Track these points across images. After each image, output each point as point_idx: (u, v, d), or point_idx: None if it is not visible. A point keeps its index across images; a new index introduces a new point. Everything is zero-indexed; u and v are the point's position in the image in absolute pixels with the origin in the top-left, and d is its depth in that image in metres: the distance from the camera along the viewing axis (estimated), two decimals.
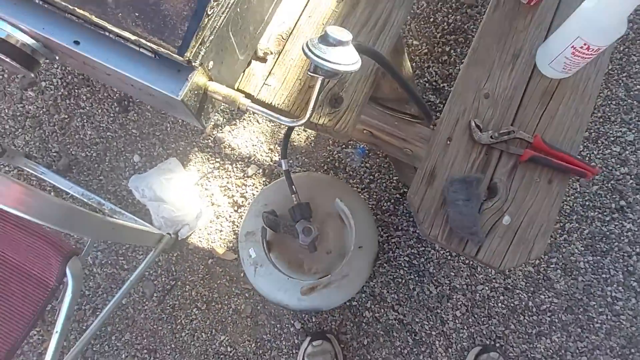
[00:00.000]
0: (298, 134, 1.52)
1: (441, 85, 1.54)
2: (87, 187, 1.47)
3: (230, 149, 1.52)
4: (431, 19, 1.61)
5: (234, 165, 1.51)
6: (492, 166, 0.95)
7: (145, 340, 1.39)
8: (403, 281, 1.39)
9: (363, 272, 1.06)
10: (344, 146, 1.50)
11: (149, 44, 0.45)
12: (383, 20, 0.64)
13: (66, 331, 0.90)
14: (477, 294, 1.37)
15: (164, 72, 0.48)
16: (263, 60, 0.62)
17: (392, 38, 0.63)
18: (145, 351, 1.38)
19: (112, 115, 1.54)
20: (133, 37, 0.45)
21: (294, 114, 0.62)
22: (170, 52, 0.44)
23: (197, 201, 1.45)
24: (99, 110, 1.55)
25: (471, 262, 1.39)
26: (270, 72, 0.63)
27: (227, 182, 1.49)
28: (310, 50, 0.44)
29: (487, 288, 1.37)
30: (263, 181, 1.49)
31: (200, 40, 0.45)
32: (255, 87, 0.63)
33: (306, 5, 0.65)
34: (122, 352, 1.39)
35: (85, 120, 1.55)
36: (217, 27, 0.47)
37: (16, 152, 1.41)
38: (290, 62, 0.62)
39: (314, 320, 1.36)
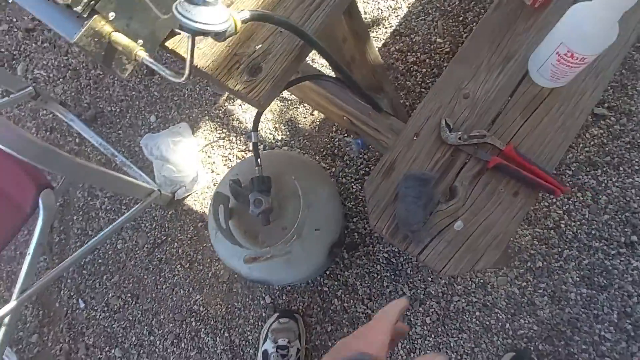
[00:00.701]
0: (305, 117, 1.55)
1: None
2: (107, 138, 1.61)
3: (237, 121, 1.58)
4: (460, 18, 1.55)
5: (238, 137, 1.56)
6: (456, 168, 0.91)
7: (130, 285, 1.50)
8: (378, 277, 1.37)
9: (316, 255, 1.07)
10: (345, 134, 1.50)
11: None
12: None
13: (38, 255, 1.00)
14: (452, 305, 1.32)
15: (67, 17, 0.53)
16: None
17: (326, 16, 0.64)
18: (129, 295, 1.50)
19: (139, 76, 1.66)
20: None
21: (216, 77, 0.65)
22: None
23: (198, 166, 1.53)
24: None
25: None
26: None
27: (229, 153, 1.56)
28: (176, 7, 0.46)
29: (463, 301, 1.32)
30: None
31: None
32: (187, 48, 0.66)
33: None
34: (110, 291, 1.51)
35: (116, 78, 1.68)
36: None
37: (50, 97, 1.57)
38: None
39: (284, 297, 1.39)
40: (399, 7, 1.60)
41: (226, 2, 0.68)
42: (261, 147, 1.53)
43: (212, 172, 1.55)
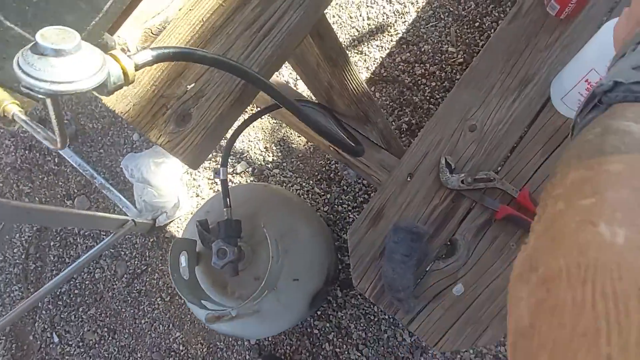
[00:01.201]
0: (298, 137, 1.40)
1: None
2: (88, 158, 1.50)
3: (224, 140, 1.45)
4: (476, 24, 1.38)
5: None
6: (457, 218, 0.76)
7: (108, 319, 1.39)
8: (375, 319, 1.22)
9: (295, 308, 0.93)
10: None
11: None
12: (272, 22, 0.51)
13: None
14: (459, 356, 1.16)
15: None
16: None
17: (277, 46, 0.49)
18: (105, 329, 1.39)
19: None
20: None
21: (139, 124, 0.51)
22: None
23: (181, 190, 1.41)
24: None
25: None
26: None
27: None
28: (18, 63, 0.33)
29: (471, 351, 1.15)
30: (250, 180, 1.40)
31: None
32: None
33: None
34: (86, 325, 1.40)
35: None
36: None
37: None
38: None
39: (270, 339, 1.25)
40: (406, 12, 1.43)
41: (159, 26, 0.54)
42: (250, 169, 1.40)
43: (197, 196, 1.43)
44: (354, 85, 0.71)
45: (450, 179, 0.78)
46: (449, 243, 0.79)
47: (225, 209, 0.89)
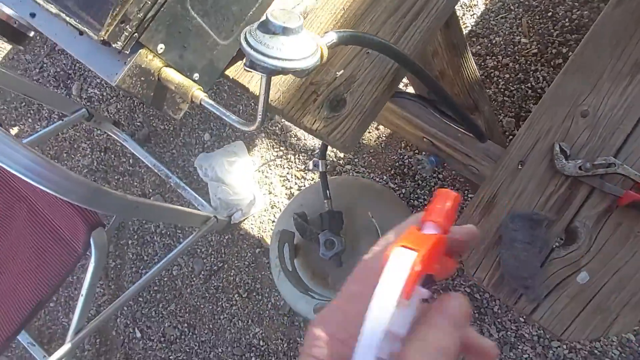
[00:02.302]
0: (369, 132, 1.41)
1: None
2: (160, 158, 1.55)
3: (296, 138, 1.47)
4: (549, 14, 1.35)
5: (297, 156, 1.45)
6: (575, 205, 0.75)
7: (187, 315, 1.43)
8: None
9: None
10: (416, 151, 1.35)
11: (70, 19, 0.40)
12: (418, 7, 0.51)
13: (91, 296, 0.94)
14: (551, 351, 1.13)
15: (105, 53, 0.43)
16: None
17: (425, 31, 0.50)
18: (185, 325, 1.43)
19: None
20: (54, 11, 0.41)
21: (288, 113, 0.53)
22: (88, 31, 0.39)
23: (254, 188, 1.43)
24: None
25: None
26: None
27: (288, 173, 1.45)
28: (245, 39, 0.34)
29: (565, 347, 1.13)
30: None
31: (119, 18, 0.39)
32: (251, 77, 0.55)
33: None
34: (166, 320, 1.45)
35: None
36: (160, 3, 0.40)
37: (104, 118, 1.54)
38: None
39: None
40: (474, 5, 1.42)
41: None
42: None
43: (270, 193, 1.45)
44: (469, 72, 0.71)
45: (567, 165, 0.77)
46: (566, 231, 0.78)
47: (325, 201, 0.91)
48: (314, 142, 1.46)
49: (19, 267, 0.94)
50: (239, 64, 0.55)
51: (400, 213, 0.94)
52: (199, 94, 0.42)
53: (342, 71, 0.52)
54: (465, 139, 0.88)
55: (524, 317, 1.14)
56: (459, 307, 0.26)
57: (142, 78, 0.43)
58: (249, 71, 0.39)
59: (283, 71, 0.35)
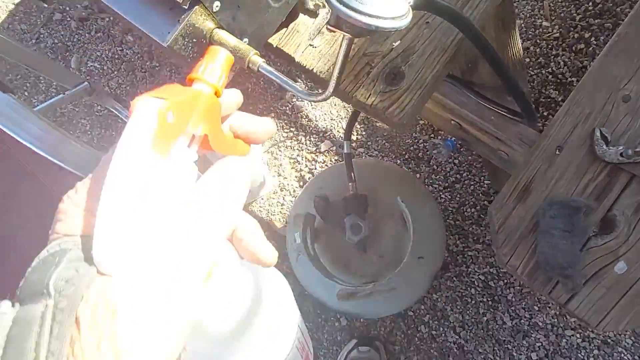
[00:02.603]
0: None
1: (569, 79, 1.26)
2: None
3: (307, 119, 1.43)
4: None
5: (308, 137, 1.41)
6: (614, 193, 0.72)
7: None
8: (473, 302, 1.20)
9: (419, 287, 0.91)
10: (431, 135, 1.32)
11: None
12: None
13: None
14: (564, 340, 1.13)
15: (155, 10, 0.38)
16: (313, 14, 0.49)
17: (491, 1, 0.46)
18: None
19: None
20: None
21: (341, 84, 0.49)
22: None
23: (263, 169, 1.39)
24: None
25: None
26: (319, 31, 0.50)
27: (298, 155, 1.41)
28: None
29: (578, 336, 1.12)
30: (335, 160, 1.38)
31: None
32: (297, 46, 0.51)
33: None
34: None
35: (173, 71, 1.57)
36: None
37: (105, 92, 1.48)
38: None
39: (362, 320, 1.24)
40: None
41: None
42: (333, 148, 1.37)
43: (279, 175, 1.41)
44: (514, 51, 0.68)
45: (608, 151, 0.74)
46: (603, 219, 0.76)
47: (350, 184, 0.87)
48: (325, 123, 1.42)
49: (27, 244, 0.90)
50: (283, 32, 0.51)
51: (424, 198, 0.91)
52: (256, 59, 0.38)
53: (398, 42, 0.48)
54: (498, 122, 0.85)
55: (559, 306, 1.12)
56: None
57: (194, 40, 0.39)
58: (332, 31, 0.35)
59: (374, 30, 0.31)
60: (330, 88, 0.39)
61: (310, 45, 0.50)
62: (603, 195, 0.73)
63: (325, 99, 0.39)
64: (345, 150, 0.88)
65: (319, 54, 0.50)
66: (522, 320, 1.16)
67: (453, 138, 1.32)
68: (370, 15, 0.31)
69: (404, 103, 0.46)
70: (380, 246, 0.88)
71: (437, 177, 1.29)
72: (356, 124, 1.39)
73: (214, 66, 0.28)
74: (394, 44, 0.49)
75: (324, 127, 1.40)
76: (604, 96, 0.76)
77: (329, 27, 0.35)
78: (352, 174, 0.87)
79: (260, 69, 0.38)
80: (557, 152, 0.75)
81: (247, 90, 1.50)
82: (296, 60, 0.50)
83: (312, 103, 1.43)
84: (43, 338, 0.18)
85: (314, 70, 0.49)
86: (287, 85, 0.38)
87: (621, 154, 0.72)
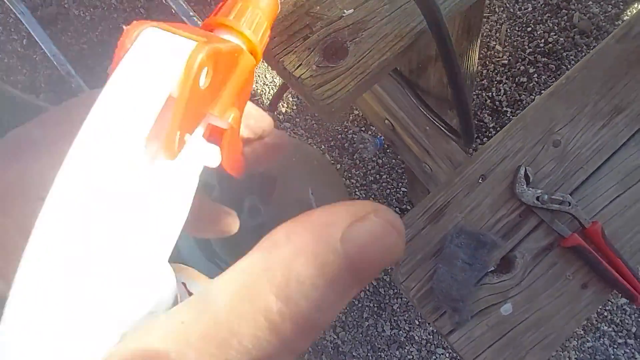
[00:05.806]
0: None
1: (504, 108, 1.28)
2: (65, 50, 1.27)
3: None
4: (529, 29, 1.33)
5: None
6: (521, 234, 0.72)
7: None
8: (359, 305, 1.19)
9: None
10: (362, 129, 1.26)
11: None
12: None
13: None
14: (434, 357, 1.16)
15: None
16: None
17: None
18: None
19: None
20: None
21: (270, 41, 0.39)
22: None
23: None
24: None
25: None
26: None
27: None
28: None
29: (447, 355, 1.16)
30: None
31: None
32: None
33: None
34: None
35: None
36: None
37: None
38: None
39: None
40: None
41: None
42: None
43: None
44: (469, 63, 0.63)
45: (526, 192, 0.73)
46: (504, 259, 0.75)
47: None
48: (256, 87, 1.30)
49: None
50: None
51: (339, 195, 0.86)
52: None
53: (351, 10, 0.40)
54: (431, 134, 0.81)
55: (441, 335, 1.15)
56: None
57: None
58: None
59: None
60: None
61: None
62: (511, 234, 0.73)
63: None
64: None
65: None
66: (401, 332, 1.17)
67: (383, 137, 1.28)
68: None
69: (339, 86, 0.38)
70: None
71: (357, 172, 1.24)
72: (288, 95, 1.29)
73: (254, 12, 0.16)
74: (345, 10, 0.40)
75: (253, 91, 1.28)
76: (537, 136, 0.75)
77: None
78: None
79: None
80: (480, 181, 0.73)
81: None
82: None
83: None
84: None
85: None
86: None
87: (537, 198, 0.71)
